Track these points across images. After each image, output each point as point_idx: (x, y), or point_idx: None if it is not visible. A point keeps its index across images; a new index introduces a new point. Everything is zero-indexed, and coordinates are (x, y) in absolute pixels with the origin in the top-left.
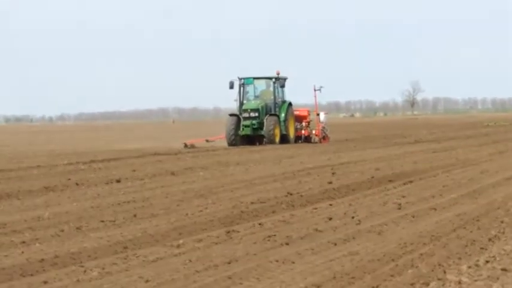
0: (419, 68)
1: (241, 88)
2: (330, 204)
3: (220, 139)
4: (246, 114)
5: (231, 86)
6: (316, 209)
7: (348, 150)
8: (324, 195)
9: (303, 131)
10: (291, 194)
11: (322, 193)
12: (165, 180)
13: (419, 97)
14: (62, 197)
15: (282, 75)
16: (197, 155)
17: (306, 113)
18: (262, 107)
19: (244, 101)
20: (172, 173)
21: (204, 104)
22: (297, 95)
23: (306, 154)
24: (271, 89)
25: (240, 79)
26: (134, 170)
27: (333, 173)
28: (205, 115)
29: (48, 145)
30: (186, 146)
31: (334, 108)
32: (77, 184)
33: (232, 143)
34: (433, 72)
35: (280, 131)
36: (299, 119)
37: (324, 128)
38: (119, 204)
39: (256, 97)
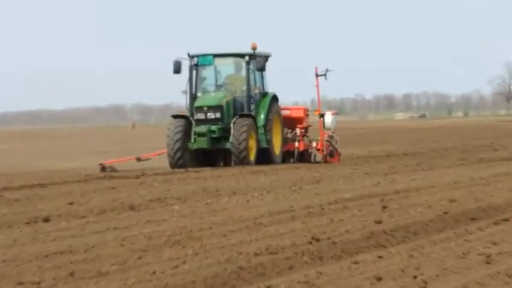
0: None
1: (194, 72)
2: (379, 257)
3: (161, 156)
4: (200, 115)
5: (177, 69)
6: (357, 263)
7: (408, 170)
8: (370, 242)
9: (296, 143)
10: (317, 240)
11: (367, 238)
12: (120, 218)
13: None
14: None
15: (263, 51)
16: (170, 179)
17: (301, 114)
18: (227, 103)
19: (199, 94)
20: (132, 208)
21: (180, 100)
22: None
23: (340, 176)
24: (243, 73)
25: (192, 57)
26: (71, 203)
27: (383, 207)
28: None
29: None
30: (103, 168)
31: (385, 104)
32: None
33: (177, 162)
34: None
35: (258, 142)
36: (290, 123)
37: (331, 137)
38: (46, 256)
39: (218, 87)
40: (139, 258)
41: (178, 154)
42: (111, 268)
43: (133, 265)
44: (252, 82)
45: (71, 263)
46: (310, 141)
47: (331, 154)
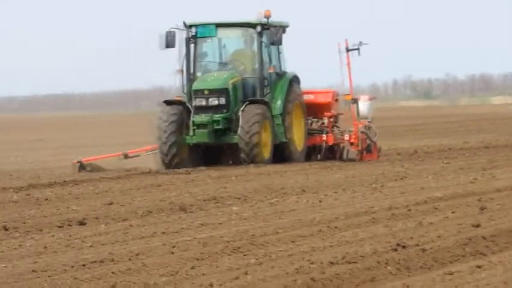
0: None
1: (191, 46)
2: (478, 266)
3: (151, 152)
4: (200, 101)
5: (170, 43)
6: (451, 274)
7: (510, 164)
8: (466, 250)
9: (323, 136)
10: (403, 247)
11: (462, 245)
12: (168, 221)
13: None
14: None
15: (278, 20)
16: (227, 175)
17: (329, 99)
18: (234, 86)
19: (198, 74)
20: (183, 208)
21: None
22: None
23: (429, 172)
24: (254, 48)
25: (189, 27)
26: (111, 203)
27: (481, 208)
28: None
29: None
30: (81, 166)
31: (482, 86)
32: (5, 229)
33: (171, 160)
34: None
35: (274, 135)
36: (316, 110)
37: (368, 128)
38: (83, 265)
39: (222, 65)
40: (192, 268)
41: (173, 150)
42: (160, 280)
43: (186, 276)
44: (265, 59)
45: (113, 273)
46: (342, 133)
47: (368, 149)
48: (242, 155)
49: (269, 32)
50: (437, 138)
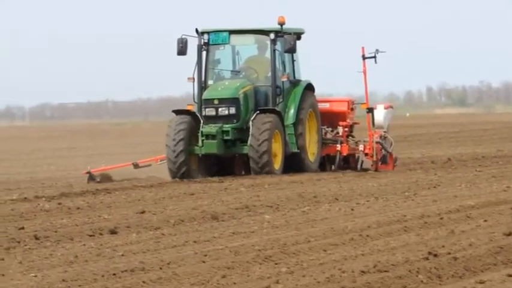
0: None
1: (204, 53)
2: (509, 275)
3: (161, 161)
4: (210, 111)
5: (182, 49)
6: (482, 283)
7: None
8: (498, 258)
9: (338, 146)
10: (435, 256)
11: (494, 254)
12: (200, 229)
13: None
14: (7, 262)
15: (293, 26)
16: (260, 183)
17: (344, 108)
18: (246, 95)
19: (210, 82)
20: (214, 217)
21: None
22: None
23: (462, 180)
24: (267, 55)
25: (201, 34)
26: (143, 212)
27: None
28: None
29: None
30: (90, 177)
31: None
32: (36, 238)
33: (179, 170)
34: None
35: (285, 146)
36: (331, 119)
37: (383, 138)
38: (114, 274)
39: (235, 73)
40: (223, 276)
41: (181, 160)
42: None
43: (217, 285)
44: (278, 67)
45: (143, 282)
46: (357, 143)
47: (384, 160)
48: (252, 166)
49: (283, 39)
50: (471, 146)
